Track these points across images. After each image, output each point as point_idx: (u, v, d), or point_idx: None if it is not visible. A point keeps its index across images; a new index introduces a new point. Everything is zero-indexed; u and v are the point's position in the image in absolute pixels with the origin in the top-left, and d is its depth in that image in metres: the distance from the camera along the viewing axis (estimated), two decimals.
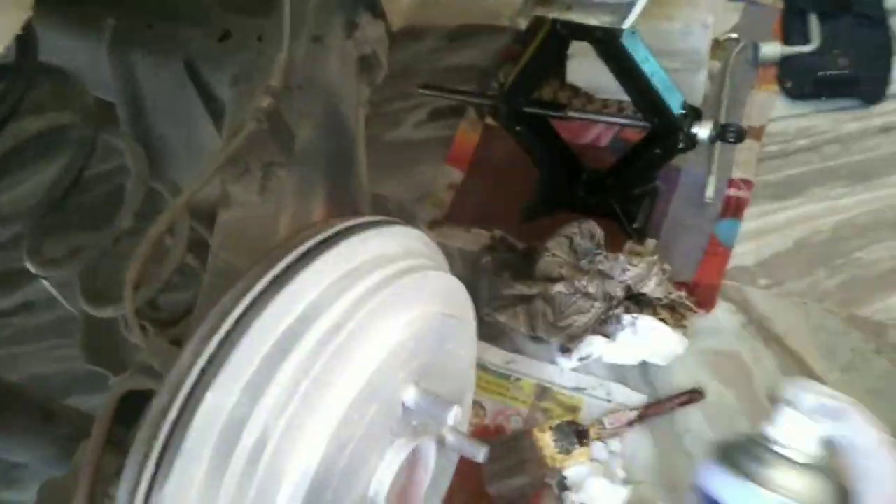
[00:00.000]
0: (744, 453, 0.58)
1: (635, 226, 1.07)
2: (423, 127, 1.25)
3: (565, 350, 0.98)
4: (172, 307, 0.77)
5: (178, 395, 0.41)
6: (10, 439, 0.54)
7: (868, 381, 0.92)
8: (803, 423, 0.56)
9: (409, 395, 0.49)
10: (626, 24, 0.78)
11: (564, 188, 1.09)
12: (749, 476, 0.53)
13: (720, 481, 0.57)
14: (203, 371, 0.42)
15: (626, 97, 1.02)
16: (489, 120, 1.20)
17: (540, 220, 1.09)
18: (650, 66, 0.89)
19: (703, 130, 0.93)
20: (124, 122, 0.81)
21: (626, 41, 0.86)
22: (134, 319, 0.53)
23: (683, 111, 0.93)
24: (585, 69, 1.15)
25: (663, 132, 0.94)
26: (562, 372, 0.99)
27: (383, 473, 0.49)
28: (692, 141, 0.93)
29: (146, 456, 0.41)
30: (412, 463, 0.51)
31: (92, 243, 0.66)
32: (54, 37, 0.73)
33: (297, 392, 0.42)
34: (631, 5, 0.79)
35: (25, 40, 0.54)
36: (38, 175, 0.75)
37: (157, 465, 0.41)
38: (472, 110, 1.23)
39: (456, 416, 0.49)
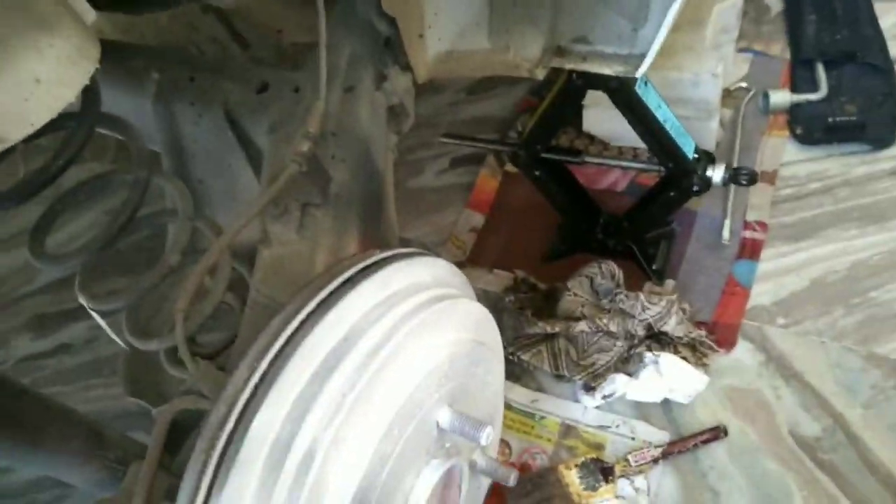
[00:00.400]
0: None
1: (654, 267, 1.10)
2: (444, 174, 1.30)
3: (589, 388, 1.00)
4: (209, 344, 0.80)
5: (234, 408, 0.44)
6: (63, 460, 0.56)
7: (890, 417, 0.93)
8: None
9: (444, 416, 0.52)
10: (639, 74, 0.82)
11: (583, 231, 1.12)
12: None
13: None
14: (256, 387, 0.44)
15: (640, 144, 1.07)
16: (508, 167, 1.25)
17: (560, 261, 1.12)
18: (663, 113, 0.93)
19: (716, 173, 0.96)
20: (167, 168, 0.86)
21: (640, 90, 0.90)
22: (184, 345, 0.56)
23: (696, 155, 0.97)
24: (601, 118, 1.20)
25: (678, 176, 0.98)
26: (585, 410, 1.00)
27: (419, 491, 0.51)
28: (706, 184, 0.97)
29: (205, 464, 0.43)
30: (446, 484, 0.53)
31: (139, 280, 0.70)
32: (104, 89, 0.79)
33: (343, 408, 0.45)
34: (642, 56, 0.83)
35: (89, 90, 0.59)
36: (86, 217, 0.80)
37: (215, 474, 0.43)
38: (491, 158, 1.28)
39: (489, 435, 0.51)
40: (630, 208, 1.12)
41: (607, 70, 0.84)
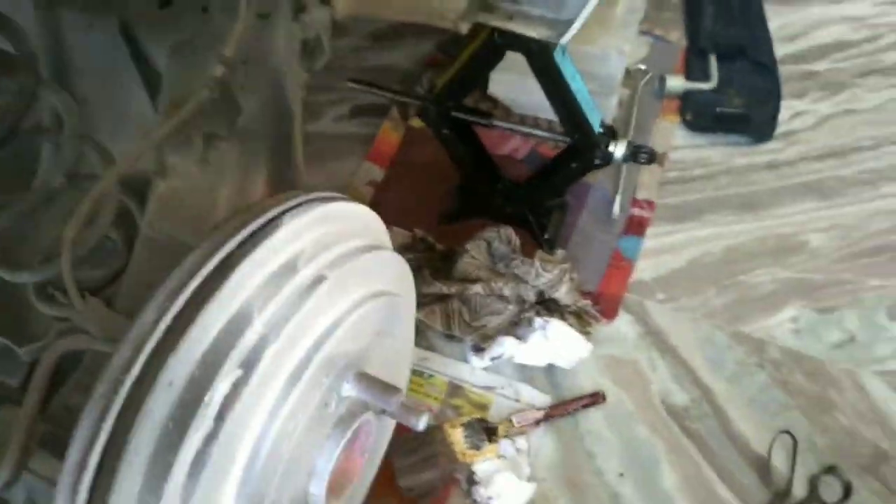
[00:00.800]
0: None
1: (546, 236, 1.12)
2: (343, 122, 1.26)
3: (478, 349, 1.01)
4: (85, 280, 0.73)
5: (140, 352, 0.40)
6: None
7: (750, 391, 1.00)
8: None
9: (352, 383, 0.49)
10: (564, 41, 0.82)
11: (482, 195, 1.12)
12: None
13: None
14: (167, 331, 0.40)
15: (542, 114, 1.08)
16: (413, 121, 1.22)
17: (456, 223, 1.11)
18: (576, 84, 0.94)
19: (618, 149, 0.99)
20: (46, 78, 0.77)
21: (558, 57, 0.90)
22: (71, 278, 0.50)
23: (602, 130, 0.98)
24: (507, 83, 1.19)
25: (582, 147, 0.99)
26: (473, 371, 1.01)
27: (324, 461, 0.49)
28: (608, 158, 0.99)
29: (105, 411, 0.39)
30: (350, 441, 0.51)
31: (12, 202, 0.62)
32: None
33: (258, 364, 0.42)
34: (569, 23, 0.83)
35: None
36: None
37: (118, 421, 0.39)
38: (395, 111, 1.24)
39: (398, 402, 0.50)
40: (529, 177, 1.12)
41: (532, 32, 0.83)
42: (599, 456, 0.96)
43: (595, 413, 0.99)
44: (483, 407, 0.99)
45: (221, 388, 0.41)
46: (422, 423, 0.55)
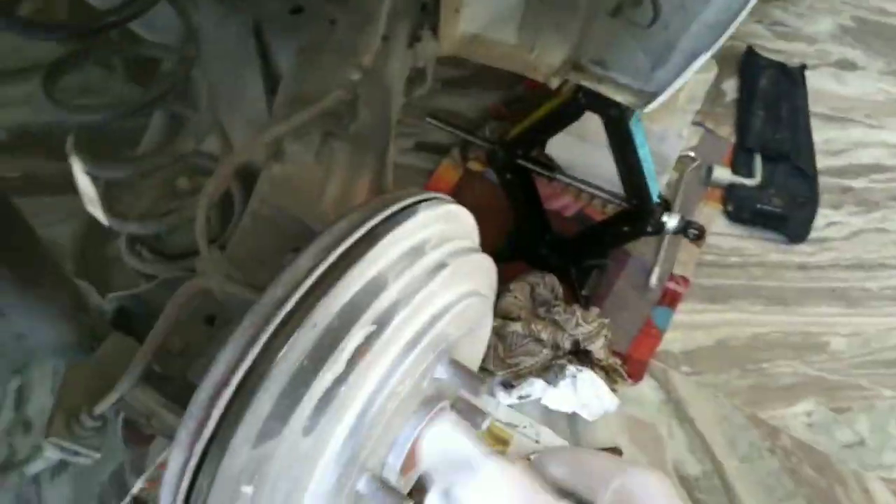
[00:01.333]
0: None
1: (584, 292, 1.17)
2: (407, 154, 1.32)
3: (508, 386, 1.04)
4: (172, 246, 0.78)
5: (294, 293, 0.44)
6: (48, 311, 0.52)
7: (760, 474, 1.03)
8: None
9: (445, 368, 0.54)
10: (648, 109, 0.89)
11: (531, 243, 1.17)
12: None
13: None
14: (322, 276, 0.45)
15: (593, 178, 1.14)
16: (471, 164, 1.29)
17: (505, 265, 1.16)
18: (643, 152, 1.00)
19: (671, 221, 1.05)
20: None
21: (633, 124, 0.97)
22: (203, 230, 0.55)
23: (658, 200, 1.05)
24: (565, 145, 1.26)
25: (638, 213, 1.05)
26: (498, 405, 1.04)
27: (406, 434, 0.52)
28: (660, 227, 1.05)
29: (254, 338, 0.43)
30: (430, 423, 0.55)
31: (141, 158, 0.67)
32: None
33: (386, 327, 0.46)
34: (653, 94, 0.90)
35: None
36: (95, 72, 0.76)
37: (265, 348, 0.43)
38: (456, 151, 1.31)
39: (485, 391, 0.54)
40: (578, 233, 1.18)
41: (619, 97, 0.90)
42: None
43: None
44: (504, 442, 1.02)
45: (357, 336, 0.45)
46: (485, 424, 0.58)
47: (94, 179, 0.68)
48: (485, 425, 0.59)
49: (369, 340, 0.45)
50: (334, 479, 0.46)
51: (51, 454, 0.52)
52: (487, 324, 0.61)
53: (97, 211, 0.66)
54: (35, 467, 0.55)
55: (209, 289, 0.52)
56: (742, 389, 1.12)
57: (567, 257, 1.17)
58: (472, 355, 0.62)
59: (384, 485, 0.49)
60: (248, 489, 0.45)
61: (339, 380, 0.44)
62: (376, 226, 0.48)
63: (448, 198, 0.57)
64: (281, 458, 0.44)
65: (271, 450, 0.44)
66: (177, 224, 0.73)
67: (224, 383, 0.42)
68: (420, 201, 0.51)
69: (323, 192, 0.69)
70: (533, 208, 1.17)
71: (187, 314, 0.59)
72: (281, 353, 0.43)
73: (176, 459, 0.44)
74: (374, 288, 0.46)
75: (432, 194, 0.54)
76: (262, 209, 0.67)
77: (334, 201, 0.68)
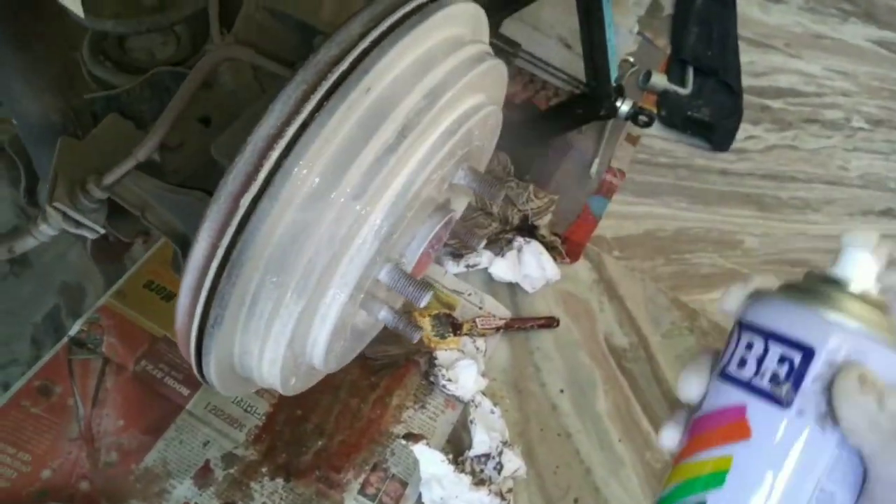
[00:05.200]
0: (812, 291, 0.41)
1: (528, 177, 1.19)
2: None
3: (456, 255, 1.06)
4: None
5: (351, 52, 0.43)
6: (37, 76, 0.48)
7: (679, 349, 1.12)
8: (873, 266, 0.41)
9: (463, 174, 0.54)
10: None
11: None
12: (823, 304, 0.39)
13: (783, 312, 0.41)
14: (375, 42, 0.44)
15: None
16: None
17: None
18: (610, 34, 1.03)
19: (624, 106, 1.08)
20: None
21: (605, 1, 0.98)
22: (216, 14, 0.52)
23: (615, 84, 1.08)
24: (520, 32, 1.27)
25: (594, 95, 1.08)
26: (446, 273, 1.07)
27: (424, 232, 0.53)
28: (613, 111, 1.08)
29: (308, 93, 0.42)
30: (442, 228, 0.56)
31: None
32: None
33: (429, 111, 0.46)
34: None
35: None
36: None
37: (314, 109, 0.42)
38: None
39: (502, 197, 0.56)
40: (529, 117, 1.20)
41: None
42: (545, 371, 1.04)
43: (546, 335, 1.07)
44: (449, 306, 1.05)
45: (408, 106, 0.44)
46: (481, 244, 0.60)
47: None
48: (480, 245, 0.60)
49: (419, 114, 0.45)
50: (371, 254, 0.46)
51: (51, 223, 0.49)
52: (492, 146, 0.62)
53: (73, 2, 0.61)
54: (26, 244, 0.51)
55: (236, 58, 0.50)
56: (666, 275, 1.19)
57: (514, 141, 1.18)
58: None
59: (405, 273, 0.50)
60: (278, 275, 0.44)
61: (390, 148, 0.44)
62: (424, 3, 0.47)
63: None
64: (327, 222, 0.44)
65: (318, 214, 0.43)
66: (156, 26, 0.68)
67: (278, 135, 0.41)
68: None
69: (320, 4, 0.66)
70: None
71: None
72: (336, 114, 0.42)
73: (213, 220, 0.43)
74: (425, 64, 0.46)
75: None
76: (256, 15, 0.64)
77: (333, 13, 0.66)
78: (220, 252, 0.42)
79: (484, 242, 0.62)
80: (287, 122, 0.41)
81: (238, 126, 0.52)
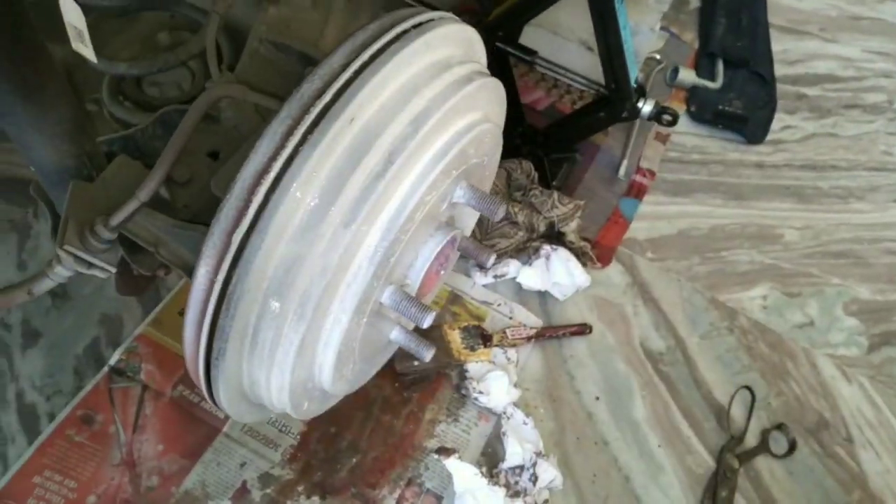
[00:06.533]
0: None
1: (554, 183, 1.19)
2: None
3: (483, 267, 1.06)
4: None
5: (330, 87, 0.44)
6: (49, 126, 0.50)
7: (719, 350, 1.09)
8: None
9: (462, 192, 0.55)
10: None
11: (505, 132, 1.18)
12: None
13: None
14: (356, 73, 0.44)
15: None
16: None
17: None
18: (626, 35, 1.01)
19: (646, 106, 1.07)
20: None
21: (618, 4, 0.97)
22: (213, 51, 0.53)
23: (635, 86, 1.06)
24: (539, 38, 1.26)
25: (615, 98, 1.07)
26: (474, 285, 1.07)
27: (427, 252, 0.54)
28: (636, 113, 1.07)
29: (292, 129, 0.43)
30: (444, 248, 0.56)
31: None
32: None
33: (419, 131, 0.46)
34: None
35: None
36: None
37: (298, 143, 0.43)
38: None
39: (501, 213, 0.55)
40: (550, 124, 1.20)
41: None
42: (579, 379, 1.03)
43: (579, 342, 1.06)
44: (479, 318, 1.05)
45: (393, 132, 0.45)
46: (490, 260, 0.60)
47: (85, 10, 0.65)
48: (490, 262, 0.60)
49: (405, 140, 0.45)
50: (367, 278, 0.47)
51: (65, 265, 0.51)
52: (495, 160, 0.62)
53: (86, 48, 0.64)
54: (44, 285, 0.54)
55: (230, 96, 0.51)
56: (702, 275, 1.17)
57: (539, 147, 1.18)
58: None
59: (407, 295, 0.51)
60: (276, 304, 0.46)
61: (378, 175, 0.44)
62: (407, 30, 0.48)
63: (460, 20, 0.57)
64: (319, 254, 0.44)
65: (309, 244, 0.44)
66: (167, 65, 0.71)
67: (264, 171, 0.42)
68: (443, 18, 0.51)
69: (322, 34, 0.67)
70: (510, 98, 1.16)
71: (192, 145, 0.58)
72: (320, 146, 0.43)
73: (209, 255, 0.44)
74: (408, 91, 0.47)
75: (449, 15, 0.54)
76: (260, 48, 0.66)
77: (334, 42, 0.67)
78: (218, 287, 0.44)
79: (493, 258, 0.62)
80: (273, 157, 0.42)
81: (232, 162, 0.54)
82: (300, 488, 0.87)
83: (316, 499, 0.86)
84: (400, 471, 0.90)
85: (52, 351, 0.95)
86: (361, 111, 0.44)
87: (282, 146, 0.42)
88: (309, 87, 0.44)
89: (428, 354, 0.55)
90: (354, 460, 0.89)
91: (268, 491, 0.86)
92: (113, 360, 0.92)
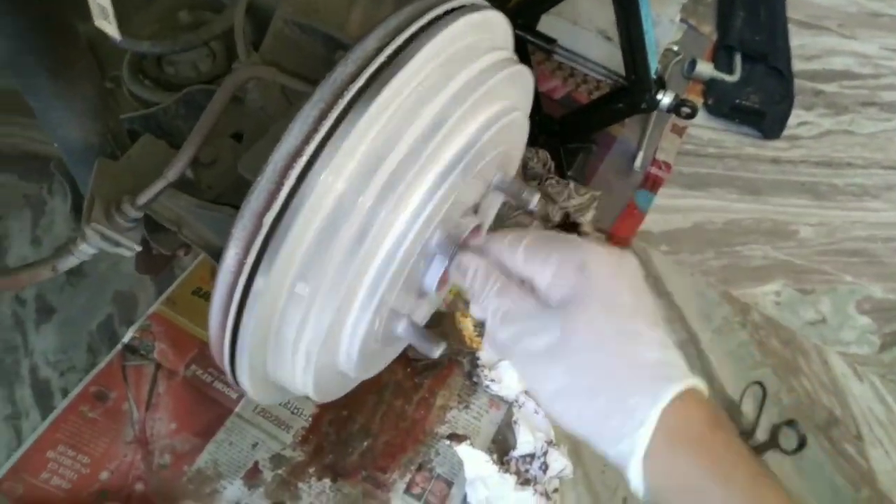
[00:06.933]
0: None
1: (570, 173, 1.18)
2: None
3: (526, 208, 1.06)
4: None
5: (365, 70, 0.43)
6: (78, 100, 0.50)
7: (732, 345, 1.09)
8: None
9: (499, 178, 0.54)
10: None
11: None
12: None
13: None
14: (387, 61, 0.44)
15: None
16: None
17: None
18: (647, 26, 1.01)
19: (666, 98, 1.06)
20: None
21: None
22: (241, 31, 0.53)
23: (655, 77, 1.06)
24: (557, 28, 1.26)
25: (634, 89, 1.06)
26: None
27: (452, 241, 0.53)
28: (654, 104, 1.06)
29: (324, 113, 0.42)
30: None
31: None
32: None
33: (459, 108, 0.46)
34: None
35: None
36: None
37: (335, 125, 0.42)
38: None
39: (536, 202, 0.55)
40: (567, 113, 1.19)
41: None
42: None
43: None
44: None
45: (426, 119, 0.45)
46: (534, 201, 0.58)
47: None
48: (534, 203, 0.59)
49: (438, 127, 0.45)
50: (396, 263, 0.47)
51: (90, 243, 0.51)
52: (521, 150, 0.61)
53: (109, 25, 0.63)
54: (69, 262, 0.53)
55: (259, 77, 0.51)
56: (716, 269, 1.17)
57: (556, 137, 1.18)
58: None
59: (420, 329, 0.51)
60: (304, 288, 0.46)
61: (411, 160, 0.44)
62: (441, 15, 0.47)
63: (492, 7, 0.56)
64: (349, 238, 0.44)
65: (339, 228, 0.44)
66: (190, 45, 0.70)
67: (297, 153, 0.42)
68: (472, 4, 0.51)
69: (347, 17, 0.67)
70: None
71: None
72: (354, 129, 0.42)
73: (238, 237, 0.44)
74: (443, 76, 0.46)
75: (481, 1, 0.53)
76: (285, 29, 0.65)
77: (359, 26, 0.67)
78: (247, 269, 0.44)
79: (538, 197, 0.60)
80: (306, 141, 0.42)
81: (262, 144, 0.53)
82: (311, 470, 0.87)
83: (327, 481, 0.87)
84: (411, 455, 0.90)
85: (66, 327, 0.95)
86: (395, 96, 0.44)
87: (314, 129, 0.42)
88: (343, 70, 0.43)
89: (436, 351, 0.54)
90: (366, 444, 0.90)
91: (279, 472, 0.86)
92: (126, 338, 0.92)
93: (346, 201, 0.44)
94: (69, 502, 0.79)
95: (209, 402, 0.89)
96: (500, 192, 0.56)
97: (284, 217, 0.43)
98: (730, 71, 1.41)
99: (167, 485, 0.83)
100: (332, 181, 0.43)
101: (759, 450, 0.99)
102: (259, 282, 0.44)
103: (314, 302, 0.46)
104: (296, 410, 0.90)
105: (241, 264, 0.44)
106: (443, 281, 0.58)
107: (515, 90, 0.54)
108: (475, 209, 0.57)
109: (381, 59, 0.44)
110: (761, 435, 1.01)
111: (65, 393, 0.88)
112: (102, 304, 0.97)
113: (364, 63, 0.44)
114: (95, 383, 0.88)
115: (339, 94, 0.43)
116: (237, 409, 0.89)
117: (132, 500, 0.81)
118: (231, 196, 0.60)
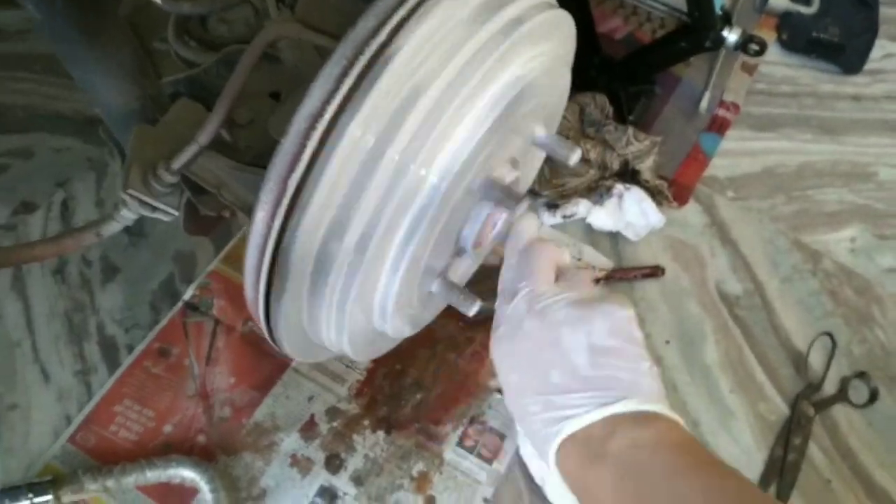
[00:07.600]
0: None
1: (631, 118, 1.13)
2: None
3: (552, 206, 1.03)
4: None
5: (387, 23, 0.41)
6: (114, 67, 0.50)
7: (800, 293, 1.04)
8: None
9: (541, 131, 0.52)
10: None
11: (579, 64, 1.12)
12: None
13: None
14: (408, 14, 0.42)
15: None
16: None
17: None
18: None
19: (732, 35, 1.00)
20: None
21: None
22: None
23: (721, 13, 0.99)
24: None
25: (698, 27, 1.00)
26: (542, 225, 1.04)
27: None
28: (720, 42, 1.00)
29: (345, 70, 0.41)
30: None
31: None
32: None
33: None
34: None
35: None
36: None
37: (357, 82, 0.41)
38: None
39: (577, 157, 0.53)
40: (628, 55, 1.13)
41: None
42: (649, 322, 1.00)
43: (651, 284, 1.02)
44: None
45: (452, 71, 0.43)
46: (575, 157, 0.57)
47: None
48: (574, 158, 0.57)
49: (465, 81, 0.43)
50: (426, 223, 0.45)
51: (130, 208, 0.52)
52: (563, 101, 0.58)
53: None
54: (111, 228, 0.54)
55: (285, 35, 0.50)
56: (787, 215, 1.11)
57: (616, 79, 1.13)
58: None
59: (454, 287, 0.49)
60: (335, 247, 0.45)
61: (436, 116, 0.43)
62: None
63: None
64: (377, 197, 0.43)
65: (366, 187, 0.43)
66: (229, 3, 0.69)
67: (318, 114, 0.41)
68: None
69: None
70: (584, 27, 1.11)
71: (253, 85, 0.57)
72: (376, 86, 0.41)
73: (265, 201, 0.43)
74: (469, 26, 0.44)
75: None
76: None
77: None
78: (275, 233, 0.43)
79: (578, 153, 0.58)
80: (328, 100, 0.41)
81: (289, 104, 0.52)
82: (366, 422, 0.88)
83: (381, 433, 0.88)
84: (463, 408, 0.90)
85: (129, 286, 0.98)
86: (419, 50, 0.42)
87: (336, 88, 0.41)
88: (364, 25, 0.42)
89: (473, 308, 0.53)
90: (419, 397, 0.90)
91: (334, 424, 0.88)
92: (187, 296, 0.94)
93: (371, 159, 0.42)
94: (136, 454, 0.83)
95: (266, 356, 0.91)
96: (540, 147, 0.53)
97: (309, 179, 0.42)
98: (807, 2, 1.31)
99: (227, 437, 0.85)
100: (357, 139, 0.42)
101: (826, 403, 0.95)
102: (287, 244, 0.44)
103: (345, 262, 0.45)
104: (350, 364, 0.91)
105: (269, 228, 0.43)
106: (483, 235, 0.56)
107: (553, 37, 0.51)
108: (515, 164, 0.55)
109: (403, 11, 0.42)
110: (829, 388, 0.97)
111: (130, 349, 0.91)
112: (163, 263, 1.00)
113: (385, 17, 0.42)
114: (158, 340, 0.91)
115: (359, 51, 0.41)
116: (293, 364, 0.91)
117: (195, 452, 0.84)
118: (269, 156, 0.59)
